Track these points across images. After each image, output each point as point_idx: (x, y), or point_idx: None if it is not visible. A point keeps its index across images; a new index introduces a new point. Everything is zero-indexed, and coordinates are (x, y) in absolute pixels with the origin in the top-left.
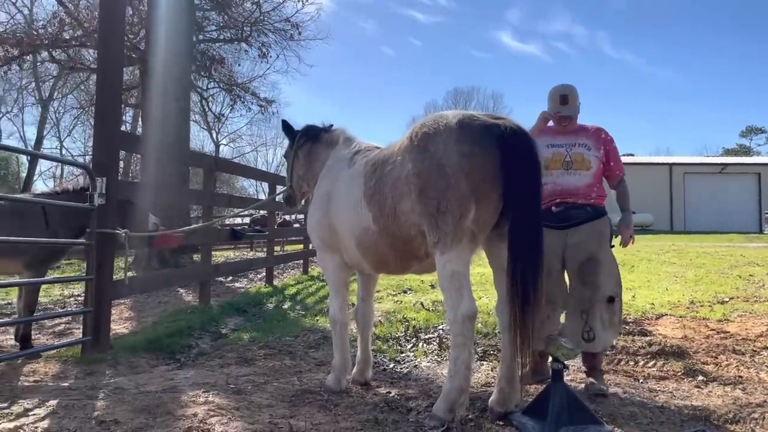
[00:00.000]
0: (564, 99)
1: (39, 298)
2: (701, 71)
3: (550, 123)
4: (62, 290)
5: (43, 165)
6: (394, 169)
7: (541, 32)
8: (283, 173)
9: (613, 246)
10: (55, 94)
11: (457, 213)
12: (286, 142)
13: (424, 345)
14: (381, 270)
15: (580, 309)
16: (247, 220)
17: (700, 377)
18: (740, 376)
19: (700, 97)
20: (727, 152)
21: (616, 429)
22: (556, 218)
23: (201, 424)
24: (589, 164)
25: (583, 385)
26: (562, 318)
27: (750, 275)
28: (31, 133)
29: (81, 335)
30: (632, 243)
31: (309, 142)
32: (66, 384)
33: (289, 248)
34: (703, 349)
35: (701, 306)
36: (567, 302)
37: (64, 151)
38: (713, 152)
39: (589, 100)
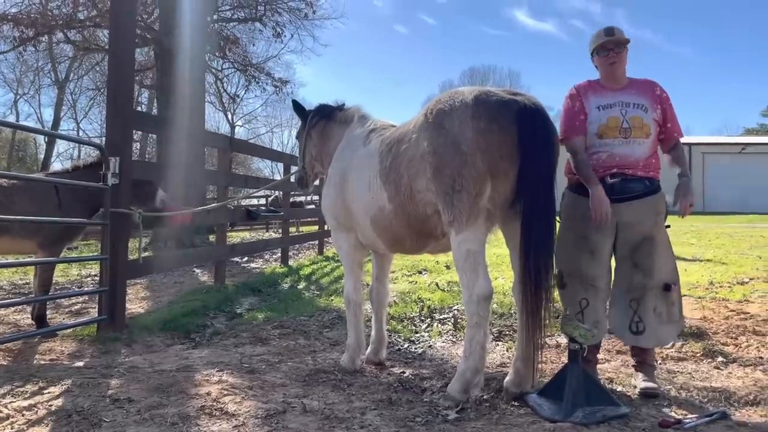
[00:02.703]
0: (609, 31)
1: (57, 278)
2: (721, 49)
3: (596, 76)
4: (80, 270)
5: (60, 146)
6: (409, 147)
7: (557, 9)
8: (298, 153)
9: (668, 226)
10: (71, 75)
11: (472, 191)
12: (300, 123)
13: (439, 325)
14: (396, 250)
15: (629, 297)
16: (263, 201)
17: (720, 358)
18: (761, 358)
19: (719, 75)
20: (748, 132)
21: (633, 410)
22: (611, 190)
23: (214, 403)
24: (648, 130)
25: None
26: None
27: None
28: (48, 114)
29: (97, 314)
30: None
31: (322, 121)
32: (81, 363)
33: (304, 229)
34: (723, 330)
35: (720, 287)
36: (613, 289)
37: (80, 133)
38: (733, 132)
39: None
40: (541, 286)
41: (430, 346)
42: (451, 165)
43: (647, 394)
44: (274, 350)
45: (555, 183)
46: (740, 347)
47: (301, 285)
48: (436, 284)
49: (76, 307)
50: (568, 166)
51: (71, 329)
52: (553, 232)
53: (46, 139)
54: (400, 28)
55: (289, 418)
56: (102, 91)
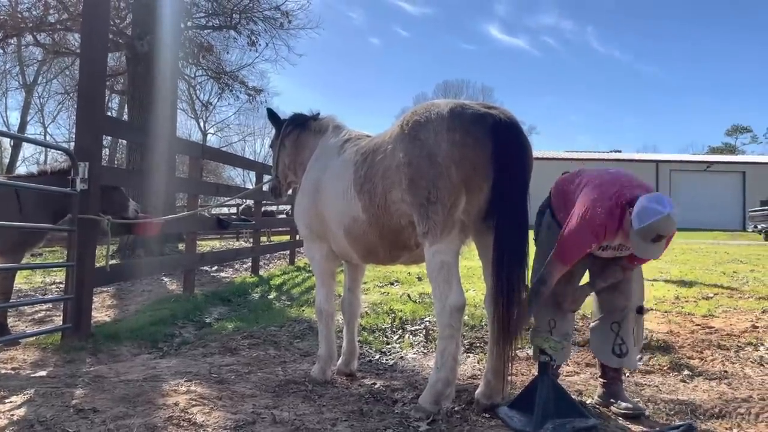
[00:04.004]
0: (659, 239)
1: (20, 285)
2: (688, 69)
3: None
4: (44, 277)
5: (26, 151)
6: (384, 158)
7: (529, 25)
8: (271, 163)
9: None
10: (40, 78)
11: (447, 203)
12: (274, 132)
13: (411, 336)
14: (369, 260)
15: (610, 320)
16: (234, 209)
17: (686, 372)
18: (725, 371)
19: (686, 95)
20: (713, 150)
21: (602, 422)
22: None
23: (182, 414)
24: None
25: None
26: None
27: (734, 272)
28: (14, 118)
29: (61, 323)
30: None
31: (296, 130)
32: (44, 372)
33: (275, 239)
34: (689, 344)
35: (686, 301)
36: (595, 312)
37: (48, 138)
38: (699, 150)
39: (576, 95)
40: (513, 299)
41: (401, 358)
42: (427, 176)
43: (632, 416)
44: (243, 360)
45: (528, 196)
46: (705, 361)
47: (272, 295)
48: (408, 296)
49: (39, 314)
50: (556, 188)
51: (34, 338)
52: (526, 245)
53: (12, 143)
54: (374, 39)
55: (258, 429)
56: (71, 95)
